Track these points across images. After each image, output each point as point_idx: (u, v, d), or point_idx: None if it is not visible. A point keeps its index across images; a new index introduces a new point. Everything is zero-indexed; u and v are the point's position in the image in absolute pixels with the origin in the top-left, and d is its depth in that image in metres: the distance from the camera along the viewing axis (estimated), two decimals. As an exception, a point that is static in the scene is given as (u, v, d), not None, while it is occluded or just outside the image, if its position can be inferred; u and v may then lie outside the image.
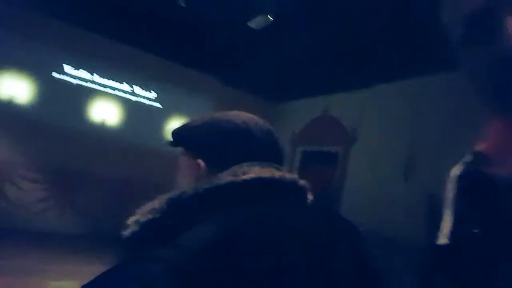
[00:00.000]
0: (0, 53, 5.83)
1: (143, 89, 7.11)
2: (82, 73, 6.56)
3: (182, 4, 5.03)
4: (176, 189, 0.60)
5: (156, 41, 6.72)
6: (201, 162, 0.69)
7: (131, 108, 6.97)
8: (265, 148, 0.70)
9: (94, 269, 0.52)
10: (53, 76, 6.33)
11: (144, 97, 7.14)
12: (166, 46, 6.82)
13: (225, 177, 0.61)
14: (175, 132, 0.77)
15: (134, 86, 7.02)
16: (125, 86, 6.94)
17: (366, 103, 6.29)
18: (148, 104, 7.19)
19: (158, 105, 7.27)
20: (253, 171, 0.63)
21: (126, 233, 0.56)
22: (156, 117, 7.22)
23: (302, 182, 0.69)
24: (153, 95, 7.22)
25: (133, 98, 7.03)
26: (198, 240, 0.48)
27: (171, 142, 0.77)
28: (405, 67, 5.54)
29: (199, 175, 0.67)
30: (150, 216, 0.56)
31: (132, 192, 6.65)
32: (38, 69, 6.15)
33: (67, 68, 6.44)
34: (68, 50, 6.37)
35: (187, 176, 0.70)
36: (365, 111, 6.30)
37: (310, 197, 0.70)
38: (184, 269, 0.44)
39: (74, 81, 6.49)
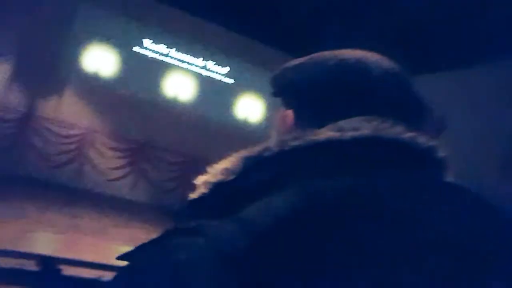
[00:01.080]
0: (91, 28, 6.25)
1: (216, 64, 7.11)
2: (160, 48, 6.75)
3: None
4: (258, 145, 0.45)
5: (234, 17, 6.61)
6: (290, 113, 0.51)
7: (204, 83, 7.04)
8: (390, 98, 0.49)
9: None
10: (133, 50, 6.61)
11: (216, 72, 7.15)
12: (244, 22, 6.68)
13: (326, 132, 0.43)
14: (272, 77, 0.57)
15: (208, 61, 7.05)
16: (199, 61, 7.00)
17: (458, 87, 5.48)
18: (220, 79, 7.19)
19: (230, 80, 7.24)
20: (369, 128, 0.43)
21: (193, 195, 0.45)
22: (227, 92, 7.20)
23: (442, 153, 0.46)
24: (226, 70, 7.19)
25: (206, 73, 7.07)
26: (263, 214, 0.34)
27: (272, 91, 0.58)
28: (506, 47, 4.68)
29: (287, 132, 0.49)
30: (221, 178, 0.43)
31: (199, 167, 6.78)
32: (121, 43, 6.49)
33: (147, 42, 6.67)
34: (149, 25, 6.59)
35: (275, 135, 0.53)
36: (456, 97, 5.51)
37: (450, 177, 0.47)
38: (231, 250, 0.31)
39: (152, 55, 6.72)
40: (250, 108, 7.33)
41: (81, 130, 6.37)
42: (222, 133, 7.00)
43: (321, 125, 0.45)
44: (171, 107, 6.82)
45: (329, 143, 0.42)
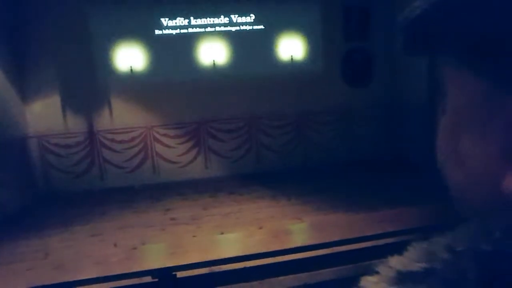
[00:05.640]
0: (109, 29, 6.12)
1: (239, 15, 6.59)
2: (180, 21, 6.40)
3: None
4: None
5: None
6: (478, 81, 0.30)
7: (237, 39, 6.61)
8: None
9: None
10: (155, 34, 6.36)
11: (244, 23, 6.64)
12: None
13: None
14: (411, 20, 0.33)
15: (231, 15, 6.56)
16: (223, 19, 6.54)
17: None
18: (250, 29, 6.68)
19: (260, 26, 6.70)
20: None
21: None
22: (262, 40, 6.69)
23: None
24: (251, 18, 6.64)
25: (234, 28, 6.61)
26: None
27: (405, 41, 0.35)
28: None
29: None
30: None
31: (264, 124, 6.68)
32: (142, 32, 6.26)
33: (165, 21, 6.36)
34: (161, 5, 6.25)
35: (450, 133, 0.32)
36: None
37: None
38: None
39: (175, 31, 6.41)
40: (290, 47, 6.79)
41: (141, 129, 6.47)
42: (275, 82, 6.66)
43: None
44: (215, 75, 6.57)
45: None
